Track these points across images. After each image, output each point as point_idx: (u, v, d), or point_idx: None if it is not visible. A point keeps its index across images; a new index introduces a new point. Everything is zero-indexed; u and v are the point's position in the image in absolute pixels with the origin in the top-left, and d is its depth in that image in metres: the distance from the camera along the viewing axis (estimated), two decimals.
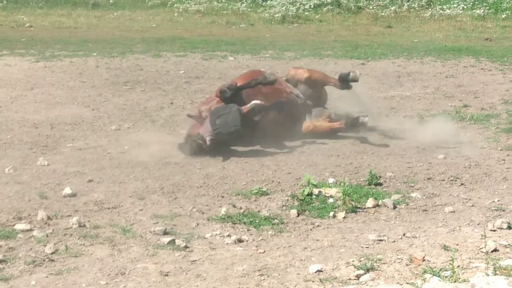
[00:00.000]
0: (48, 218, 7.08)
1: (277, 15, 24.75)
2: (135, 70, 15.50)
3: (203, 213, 7.38)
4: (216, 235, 6.75)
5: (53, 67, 15.71)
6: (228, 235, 6.73)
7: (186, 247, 6.46)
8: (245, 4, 26.62)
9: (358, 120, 9.85)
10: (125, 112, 11.75)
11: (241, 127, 9.23)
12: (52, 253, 6.27)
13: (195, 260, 6.20)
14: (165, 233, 6.76)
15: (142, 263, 6.12)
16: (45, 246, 6.38)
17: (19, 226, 6.88)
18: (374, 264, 5.99)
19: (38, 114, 11.62)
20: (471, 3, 26.36)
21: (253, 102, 9.48)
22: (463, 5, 26.12)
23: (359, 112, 10.29)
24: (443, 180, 8.42)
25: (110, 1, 27.65)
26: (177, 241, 6.52)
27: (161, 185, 8.23)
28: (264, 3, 26.94)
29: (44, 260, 6.12)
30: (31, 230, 6.80)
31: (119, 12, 26.16)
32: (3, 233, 6.68)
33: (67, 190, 7.86)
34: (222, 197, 7.90)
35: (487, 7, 25.96)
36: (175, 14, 25.67)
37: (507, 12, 25.54)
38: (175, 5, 26.93)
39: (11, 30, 22.98)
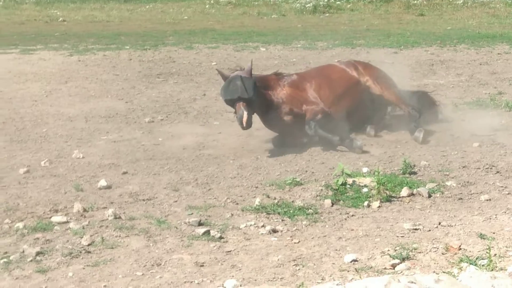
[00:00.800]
0: (84, 210, 7.15)
1: (309, 5, 24.68)
2: (168, 63, 15.56)
3: (237, 203, 7.39)
4: (250, 225, 6.76)
5: (87, 61, 15.82)
6: (263, 226, 6.74)
7: (220, 237, 6.48)
8: None
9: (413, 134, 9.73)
10: (158, 104, 11.80)
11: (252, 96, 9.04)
12: (89, 244, 6.33)
13: (230, 251, 6.21)
14: (200, 224, 6.78)
15: (177, 254, 6.15)
16: (81, 238, 6.44)
17: (56, 218, 6.95)
18: (410, 253, 5.96)
19: (73, 107, 11.72)
20: None
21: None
22: None
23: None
24: (478, 168, 8.35)
25: None
26: (212, 232, 6.54)
27: (195, 177, 8.26)
28: None
29: (80, 252, 6.18)
30: (67, 222, 6.86)
31: (151, 5, 26.26)
32: (40, 226, 6.75)
33: (102, 182, 7.92)
34: (256, 187, 7.91)
35: None
36: (207, 6, 25.72)
37: None
38: None
39: (45, 24, 23.18)
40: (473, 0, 25.26)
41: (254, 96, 9.04)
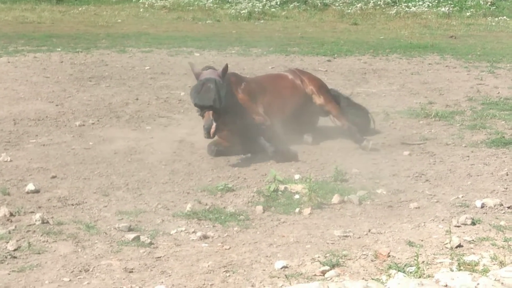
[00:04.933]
0: (11, 214, 6.99)
1: (244, 11, 24.72)
2: (100, 66, 15.36)
3: (168, 209, 7.33)
4: (181, 231, 6.71)
5: (16, 63, 15.52)
6: (194, 232, 6.70)
7: (151, 243, 6.41)
8: (211, 0, 26.56)
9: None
10: (89, 108, 11.64)
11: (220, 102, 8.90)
12: (15, 250, 6.18)
13: (160, 257, 6.15)
14: (130, 229, 6.70)
15: (106, 259, 6.06)
16: (7, 243, 6.28)
17: None
18: (340, 260, 5.99)
19: (1, 109, 11.47)
20: (436, 1, 26.57)
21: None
22: (428, 3, 26.31)
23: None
24: (408, 177, 8.46)
25: None
26: (142, 238, 6.47)
27: (126, 181, 8.16)
28: (230, 0, 26.90)
29: (6, 257, 6.03)
30: None
31: (84, 7, 25.94)
32: None
33: (30, 186, 7.76)
34: (188, 193, 7.86)
35: (452, 5, 26.19)
36: (141, 10, 25.52)
37: (472, 10, 25.80)
38: (141, 0, 26.78)
39: None
40: (406, 10, 25.65)
41: (224, 105, 8.93)
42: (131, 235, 6.49)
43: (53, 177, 8.27)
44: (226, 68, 9.25)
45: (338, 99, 10.40)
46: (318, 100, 9.99)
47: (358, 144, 9.67)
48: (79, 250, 6.26)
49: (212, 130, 8.81)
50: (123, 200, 7.57)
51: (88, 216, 7.09)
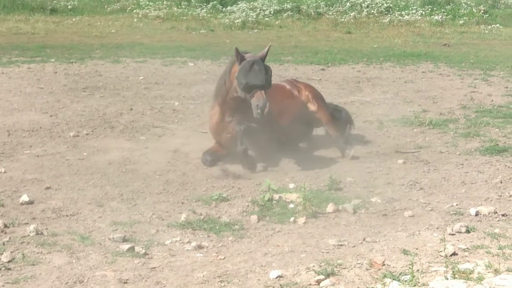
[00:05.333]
0: (5, 226, 6.97)
1: (237, 20, 24.74)
2: (94, 76, 15.36)
3: (162, 219, 7.32)
4: (176, 241, 6.71)
5: (10, 73, 15.50)
6: (188, 242, 6.69)
7: (145, 254, 6.40)
8: (205, 10, 26.58)
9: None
10: (83, 119, 11.63)
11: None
12: (9, 261, 6.16)
13: (155, 267, 6.14)
14: (124, 240, 6.69)
15: (100, 270, 6.04)
16: (1, 254, 6.26)
17: None
18: (335, 269, 5.99)
19: None
20: (429, 9, 26.63)
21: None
22: (421, 11, 26.38)
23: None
24: (402, 185, 8.47)
25: (69, 7, 27.39)
26: (137, 248, 6.46)
27: (120, 192, 8.16)
28: (224, 9, 26.92)
29: (0, 269, 6.01)
30: None
31: (77, 17, 25.93)
32: None
33: (25, 198, 7.75)
34: (182, 203, 7.86)
35: (445, 13, 26.26)
36: (135, 20, 25.53)
37: (465, 18, 25.87)
38: (135, 10, 26.78)
39: None
40: (399, 19, 25.70)
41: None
42: (125, 246, 6.48)
43: (47, 188, 8.26)
44: (267, 51, 9.16)
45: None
46: (312, 107, 9.99)
47: (341, 152, 9.67)
48: (74, 261, 6.24)
49: (266, 109, 8.69)
50: (118, 211, 7.56)
51: (82, 227, 7.08)
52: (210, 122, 9.70)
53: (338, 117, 10.39)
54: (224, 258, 6.36)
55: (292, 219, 7.30)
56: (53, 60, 17.28)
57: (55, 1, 27.82)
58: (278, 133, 9.50)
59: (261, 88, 8.74)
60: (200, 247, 6.58)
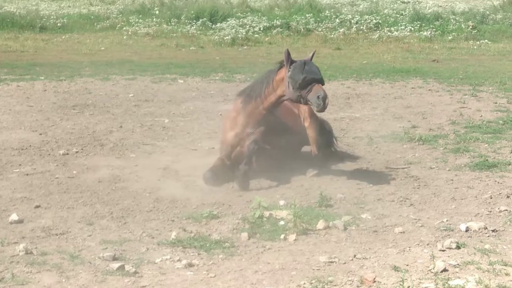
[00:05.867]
0: None
1: (227, 37, 24.76)
2: (84, 94, 15.34)
3: (153, 237, 7.30)
4: (166, 259, 6.69)
5: None
6: (179, 260, 6.67)
7: (135, 272, 6.37)
8: (194, 27, 26.59)
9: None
10: (73, 136, 11.61)
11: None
12: None
13: (145, 286, 6.12)
14: (114, 258, 6.66)
15: None
16: None
17: None
18: (325, 286, 5.99)
19: None
20: (418, 25, 26.72)
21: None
22: (410, 27, 26.46)
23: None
24: (392, 201, 8.48)
25: (58, 24, 27.33)
26: (127, 267, 6.43)
27: (110, 210, 8.13)
28: (214, 26, 26.94)
29: None
30: None
31: (67, 35, 25.90)
32: None
33: (14, 217, 7.71)
34: (172, 221, 7.84)
35: (434, 29, 26.35)
36: (124, 37, 25.51)
37: (453, 34, 25.96)
38: (124, 28, 26.75)
39: None
40: (388, 35, 25.77)
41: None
42: (115, 265, 6.45)
43: (37, 206, 8.23)
44: (313, 54, 9.33)
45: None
46: (306, 123, 10.02)
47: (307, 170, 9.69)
48: (63, 280, 6.22)
49: (327, 101, 8.82)
50: (108, 229, 7.54)
51: (72, 245, 7.05)
52: (227, 129, 9.52)
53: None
54: (215, 276, 6.34)
55: (282, 236, 7.29)
56: (42, 78, 17.24)
57: (44, 19, 27.78)
58: (281, 150, 9.52)
59: (319, 81, 8.90)
60: (190, 265, 6.56)
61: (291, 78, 8.88)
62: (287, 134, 9.65)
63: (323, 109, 8.86)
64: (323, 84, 8.97)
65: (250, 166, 9.16)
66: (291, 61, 9.02)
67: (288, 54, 9.02)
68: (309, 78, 8.82)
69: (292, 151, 9.86)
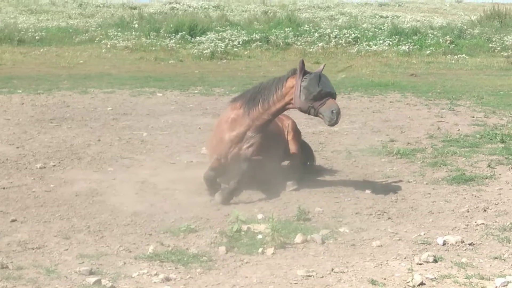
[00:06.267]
0: None
1: (206, 51, 24.80)
2: (62, 107, 15.28)
3: (130, 251, 7.26)
4: (143, 274, 6.64)
5: None
6: (156, 274, 6.63)
7: (112, 287, 6.32)
8: (174, 40, 26.61)
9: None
10: (51, 150, 11.54)
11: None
12: None
13: None
14: (91, 273, 6.61)
15: None
16: None
17: None
18: None
19: None
20: (396, 40, 26.91)
21: None
22: (388, 42, 26.64)
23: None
24: (370, 215, 8.50)
25: (36, 37, 27.28)
26: (103, 281, 6.38)
27: (87, 224, 8.08)
28: (193, 39, 26.98)
29: None
30: None
31: (45, 48, 25.84)
32: None
33: None
34: (150, 235, 7.80)
35: (412, 44, 26.54)
36: (103, 50, 25.49)
37: (431, 48, 26.16)
38: (103, 41, 26.74)
39: None
40: (367, 49, 25.93)
41: None
42: (92, 279, 6.40)
43: (13, 220, 8.16)
44: (322, 68, 9.30)
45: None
46: (289, 137, 10.05)
47: (287, 182, 9.68)
48: None
49: (340, 115, 8.95)
50: (84, 243, 7.48)
51: (48, 260, 6.99)
52: (225, 130, 9.37)
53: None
54: None
55: (260, 250, 7.27)
56: (20, 91, 17.17)
57: (22, 32, 27.71)
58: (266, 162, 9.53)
59: (333, 96, 8.97)
60: (167, 279, 6.52)
61: (306, 89, 8.90)
62: (274, 147, 9.65)
63: (335, 123, 8.96)
64: (335, 98, 9.04)
65: (240, 186, 9.15)
66: (304, 72, 9.04)
67: (302, 64, 9.04)
68: (324, 91, 8.88)
69: (274, 164, 9.85)
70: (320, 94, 8.86)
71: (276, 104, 9.15)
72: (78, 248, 7.33)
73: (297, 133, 10.21)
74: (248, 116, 9.24)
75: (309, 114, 9.11)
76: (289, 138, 10.04)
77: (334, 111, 8.82)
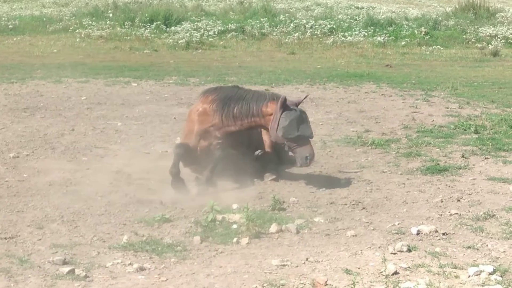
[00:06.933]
0: None
1: (181, 41, 24.69)
2: (35, 96, 15.16)
3: (104, 241, 7.23)
4: (117, 263, 6.62)
5: None
6: (130, 264, 6.61)
7: (86, 276, 6.30)
8: (148, 30, 26.45)
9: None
10: (24, 139, 11.45)
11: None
12: None
13: None
14: (65, 262, 6.58)
15: None
16: None
17: None
18: None
19: None
20: (371, 31, 26.94)
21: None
22: (364, 33, 26.67)
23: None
24: (345, 205, 8.52)
25: (9, 26, 26.99)
26: (77, 271, 6.36)
27: (61, 214, 8.03)
28: (168, 29, 26.84)
29: None
30: None
31: (18, 37, 25.58)
32: None
33: None
34: (124, 224, 7.76)
35: (387, 35, 26.59)
36: (77, 40, 25.27)
37: (406, 39, 26.21)
38: (77, 30, 26.50)
39: None
40: (342, 40, 25.93)
41: None
42: (65, 269, 6.37)
43: None
44: (303, 99, 9.64)
45: None
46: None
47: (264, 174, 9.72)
48: (12, 285, 6.12)
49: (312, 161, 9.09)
50: (58, 233, 7.44)
51: (21, 249, 6.94)
52: (195, 122, 9.34)
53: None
54: (166, 280, 6.30)
55: (235, 239, 7.27)
56: None
57: None
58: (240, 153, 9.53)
59: (309, 138, 9.08)
60: (142, 269, 6.50)
61: (284, 129, 8.89)
62: (248, 138, 9.65)
63: (305, 166, 9.12)
64: (312, 138, 9.14)
65: (214, 174, 9.14)
66: (285, 108, 8.98)
67: (284, 101, 8.96)
68: (303, 135, 8.95)
69: (248, 153, 9.85)
70: (298, 138, 8.94)
71: (251, 123, 9.17)
72: (51, 238, 7.29)
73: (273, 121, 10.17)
74: (221, 119, 9.17)
75: (281, 146, 9.19)
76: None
77: (308, 158, 8.95)
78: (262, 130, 9.85)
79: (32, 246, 7.03)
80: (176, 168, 9.08)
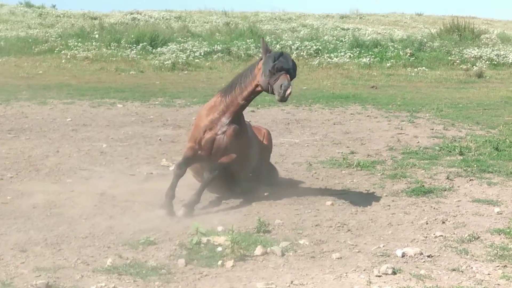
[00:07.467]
0: None
1: (167, 62, 24.75)
2: (20, 118, 15.11)
3: (88, 264, 7.17)
4: (101, 287, 6.56)
5: None
6: (114, 287, 6.55)
7: None
8: (135, 51, 26.51)
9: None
10: (8, 161, 11.39)
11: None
12: None
13: None
14: (48, 286, 6.51)
15: None
16: None
17: None
18: None
19: None
20: (357, 52, 27.10)
21: None
22: (350, 54, 26.82)
23: None
24: (330, 227, 8.50)
25: None
26: None
27: (45, 236, 7.97)
28: (154, 50, 26.90)
29: None
30: None
31: (4, 58, 25.58)
32: None
33: None
34: (108, 247, 7.71)
35: (373, 56, 26.74)
36: (63, 61, 25.30)
37: (392, 61, 26.39)
38: (63, 51, 26.54)
39: None
40: (328, 61, 26.07)
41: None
42: None
43: None
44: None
45: None
46: (262, 146, 10.19)
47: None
48: None
49: (288, 92, 8.68)
50: (42, 256, 7.38)
51: (4, 273, 6.87)
52: (203, 116, 9.41)
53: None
54: None
55: (220, 262, 7.23)
56: None
57: None
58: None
59: (287, 71, 8.81)
60: None
61: (263, 65, 8.92)
62: (250, 149, 9.70)
63: (283, 98, 8.75)
64: (292, 75, 8.88)
65: (199, 197, 9.12)
66: (267, 49, 9.02)
67: (263, 41, 9.06)
68: (278, 66, 8.78)
69: (246, 169, 9.90)
70: (274, 68, 8.79)
71: (248, 87, 9.21)
72: (35, 261, 7.22)
73: (270, 142, 10.43)
74: (225, 102, 9.30)
75: (269, 92, 9.03)
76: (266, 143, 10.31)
77: (283, 86, 8.68)
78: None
79: (15, 270, 6.97)
80: (173, 191, 9.07)
